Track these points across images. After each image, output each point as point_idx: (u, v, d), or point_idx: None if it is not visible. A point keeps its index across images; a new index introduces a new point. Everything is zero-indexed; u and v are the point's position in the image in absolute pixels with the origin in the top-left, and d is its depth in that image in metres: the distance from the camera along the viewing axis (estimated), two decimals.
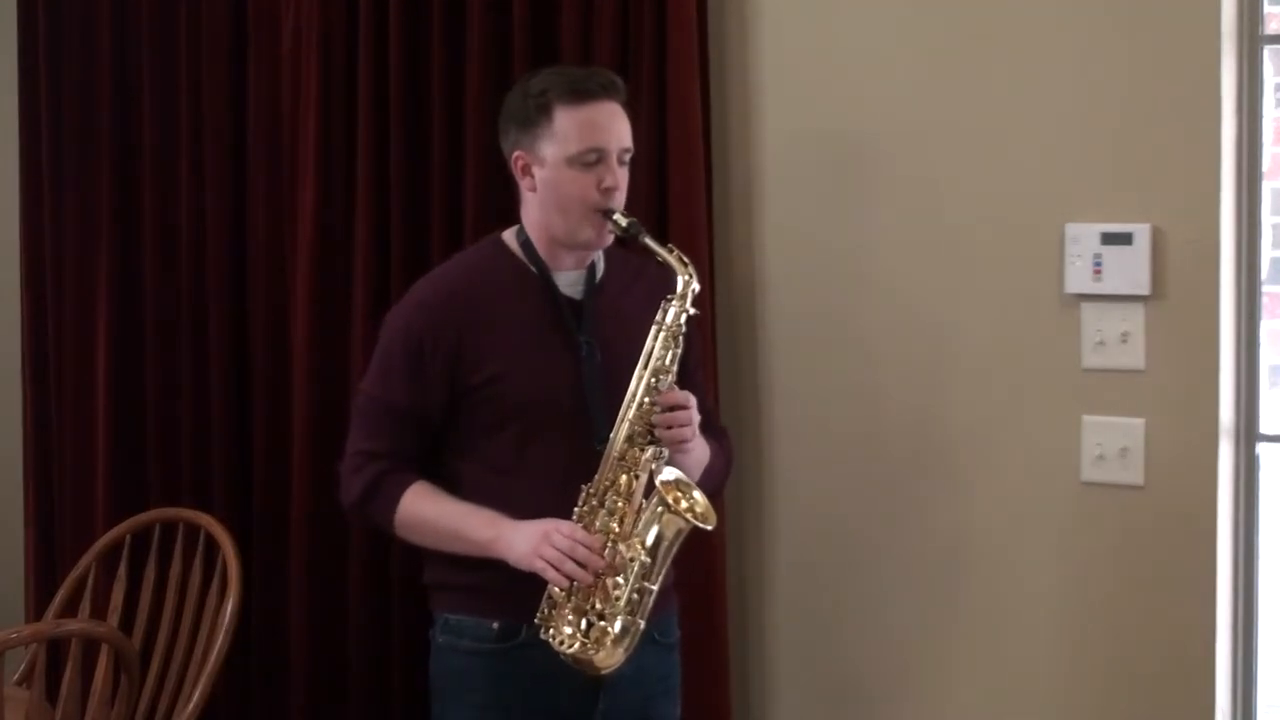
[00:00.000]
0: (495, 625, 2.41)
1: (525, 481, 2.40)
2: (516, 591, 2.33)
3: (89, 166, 3.82)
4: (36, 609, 3.88)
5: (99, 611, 3.27)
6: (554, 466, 2.38)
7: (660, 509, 2.30)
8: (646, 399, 2.34)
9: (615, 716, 2.44)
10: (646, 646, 2.40)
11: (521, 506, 2.36)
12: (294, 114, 3.46)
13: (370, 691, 3.37)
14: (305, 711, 3.45)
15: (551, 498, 2.35)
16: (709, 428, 2.54)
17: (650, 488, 2.32)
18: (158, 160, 3.69)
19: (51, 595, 3.43)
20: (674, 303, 2.37)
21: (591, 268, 2.49)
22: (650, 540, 2.31)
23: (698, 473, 2.47)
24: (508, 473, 2.41)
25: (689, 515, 2.31)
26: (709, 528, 2.35)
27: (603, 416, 2.37)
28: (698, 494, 2.35)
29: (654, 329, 2.37)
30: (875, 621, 3.01)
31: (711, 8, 3.05)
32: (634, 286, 2.51)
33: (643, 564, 2.30)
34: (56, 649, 3.22)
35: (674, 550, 2.34)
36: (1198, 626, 2.70)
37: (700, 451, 2.47)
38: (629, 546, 2.30)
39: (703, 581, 2.91)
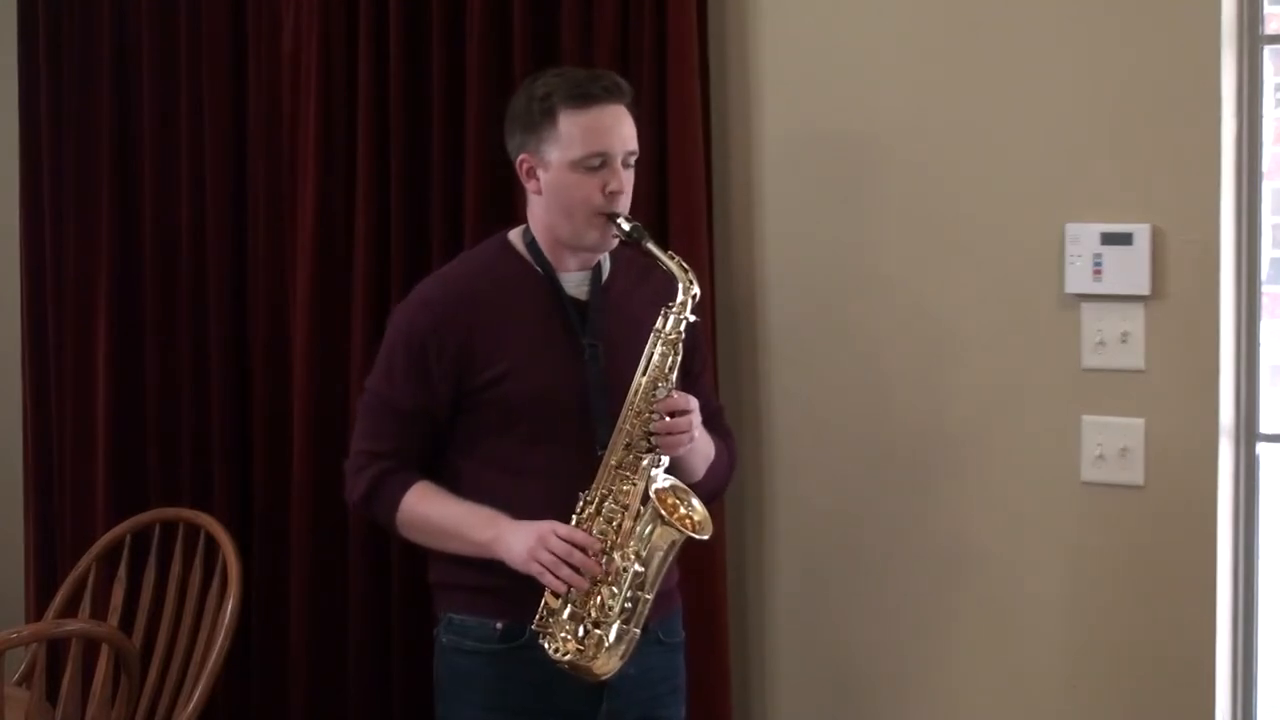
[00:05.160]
0: (499, 626, 2.41)
1: (528, 483, 2.39)
2: (520, 592, 2.33)
3: (89, 165, 3.82)
4: (36, 609, 3.88)
5: (99, 611, 3.26)
6: (558, 469, 2.38)
7: (655, 519, 2.29)
8: (645, 407, 2.32)
9: (619, 717, 2.43)
10: (651, 647, 2.40)
11: (525, 508, 2.35)
12: (294, 114, 3.46)
13: (370, 692, 3.37)
14: (305, 711, 3.45)
15: (555, 500, 2.34)
16: (715, 427, 2.54)
17: (647, 495, 2.31)
18: (158, 160, 3.70)
19: (51, 595, 3.42)
20: (673, 310, 2.36)
21: (597, 269, 2.49)
22: (644, 550, 2.30)
23: (703, 467, 2.47)
24: (511, 473, 2.41)
25: (683, 525, 2.30)
26: (703, 538, 2.32)
27: (605, 420, 2.36)
28: (695, 502, 2.34)
29: (653, 336, 2.36)
30: (875, 620, 3.01)
31: (711, 8, 3.05)
32: (640, 288, 2.49)
33: (636, 573, 2.29)
34: (56, 649, 3.22)
35: (670, 559, 2.34)
36: (1198, 626, 2.70)
37: (704, 445, 2.46)
38: (623, 555, 2.29)
39: (703, 581, 2.91)
